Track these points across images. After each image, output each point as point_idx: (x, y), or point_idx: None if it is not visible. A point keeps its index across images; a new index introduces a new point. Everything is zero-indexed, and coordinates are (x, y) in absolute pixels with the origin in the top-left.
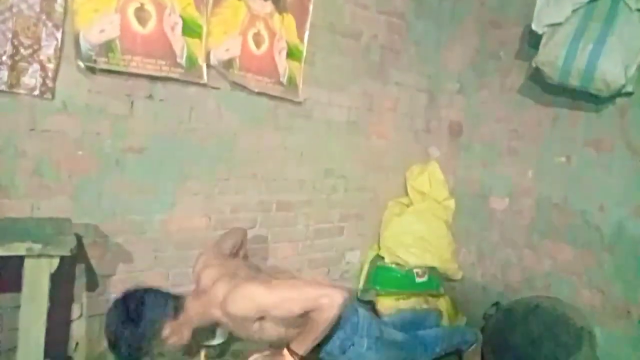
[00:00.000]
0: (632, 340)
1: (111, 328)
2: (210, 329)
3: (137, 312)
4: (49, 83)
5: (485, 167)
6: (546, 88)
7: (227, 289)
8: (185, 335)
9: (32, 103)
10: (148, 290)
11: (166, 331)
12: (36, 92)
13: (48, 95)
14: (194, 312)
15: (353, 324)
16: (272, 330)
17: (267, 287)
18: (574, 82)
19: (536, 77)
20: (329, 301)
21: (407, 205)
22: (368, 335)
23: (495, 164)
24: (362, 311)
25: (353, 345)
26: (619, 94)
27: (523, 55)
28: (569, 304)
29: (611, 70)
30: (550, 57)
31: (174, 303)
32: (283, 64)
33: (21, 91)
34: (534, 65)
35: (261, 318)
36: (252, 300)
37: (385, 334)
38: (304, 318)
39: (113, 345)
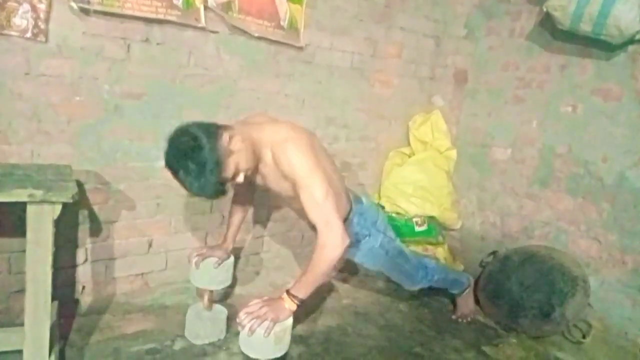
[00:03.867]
0: (625, 288)
1: (177, 170)
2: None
3: (193, 144)
4: (41, 25)
5: (489, 116)
6: (556, 34)
7: (290, 136)
8: (248, 148)
9: (25, 46)
10: (192, 124)
11: (228, 147)
12: (29, 34)
13: (41, 37)
14: (244, 136)
15: (373, 219)
16: (297, 202)
17: (311, 169)
18: (586, 27)
19: (546, 22)
20: (333, 240)
21: (409, 155)
22: (384, 232)
23: (500, 113)
24: (383, 214)
25: (369, 236)
26: (631, 40)
27: None
28: (565, 252)
29: (625, 16)
30: (562, 1)
31: (221, 127)
32: (284, 7)
33: (13, 33)
34: (544, 10)
35: (291, 182)
36: (294, 164)
37: (398, 242)
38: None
39: (188, 184)
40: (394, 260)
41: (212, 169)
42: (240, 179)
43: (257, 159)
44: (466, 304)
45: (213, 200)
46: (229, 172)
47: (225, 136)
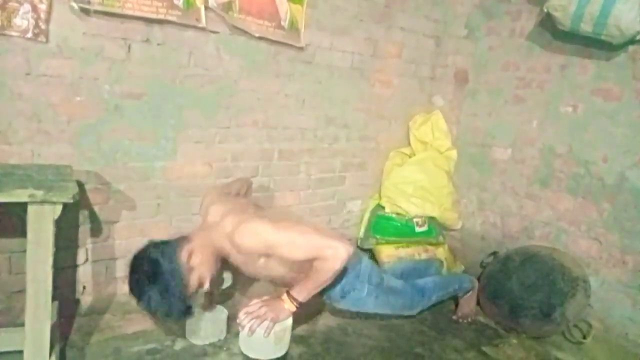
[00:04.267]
0: (625, 288)
1: (140, 297)
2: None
3: (153, 270)
4: (42, 25)
5: (489, 116)
6: (556, 34)
7: (236, 221)
8: (209, 259)
9: (26, 46)
10: (149, 246)
11: (189, 263)
12: (29, 35)
13: (42, 38)
14: (202, 243)
15: (356, 271)
16: (276, 269)
17: (275, 227)
18: (586, 28)
19: (547, 22)
20: (333, 253)
21: (409, 156)
22: (369, 281)
23: (500, 113)
24: (365, 259)
25: (354, 290)
26: (632, 41)
27: None
28: (566, 252)
29: (626, 16)
30: (563, 1)
31: (178, 243)
32: (284, 7)
33: (13, 33)
34: (545, 10)
35: (267, 255)
36: (259, 236)
37: (385, 281)
38: (309, 262)
39: (153, 311)
40: (385, 302)
41: (175, 291)
42: (206, 287)
43: (221, 259)
44: (468, 304)
45: None
46: (192, 288)
47: (184, 254)
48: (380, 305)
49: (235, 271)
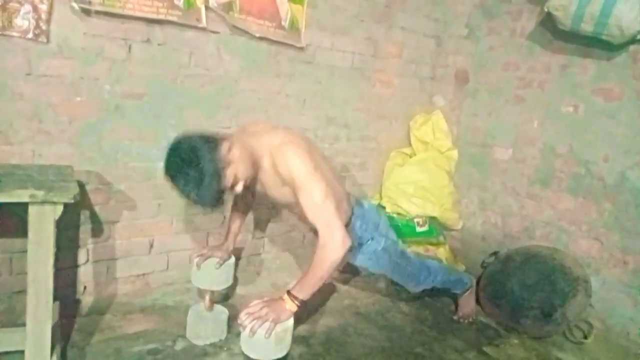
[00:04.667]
0: (626, 288)
1: (175, 178)
2: (216, 274)
3: (192, 155)
4: (43, 25)
5: (490, 116)
6: (557, 34)
7: (287, 140)
8: (246, 158)
9: (26, 46)
10: (190, 136)
11: (227, 157)
12: (30, 35)
13: (43, 38)
14: (242, 145)
15: (375, 222)
16: (296, 203)
17: (310, 172)
18: (587, 28)
19: (547, 22)
20: (333, 244)
21: (410, 156)
22: (387, 236)
23: (501, 113)
24: (385, 217)
25: (372, 239)
26: (632, 40)
27: None
28: (567, 253)
29: (626, 16)
30: (563, 1)
31: (221, 137)
32: (285, 7)
33: (14, 33)
34: (545, 9)
35: (291, 186)
36: (292, 167)
37: (401, 243)
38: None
39: (186, 193)
40: (396, 263)
41: (211, 178)
42: (239, 188)
43: (255, 168)
44: (468, 304)
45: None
46: (227, 181)
47: (224, 146)
48: (392, 266)
49: (260, 196)
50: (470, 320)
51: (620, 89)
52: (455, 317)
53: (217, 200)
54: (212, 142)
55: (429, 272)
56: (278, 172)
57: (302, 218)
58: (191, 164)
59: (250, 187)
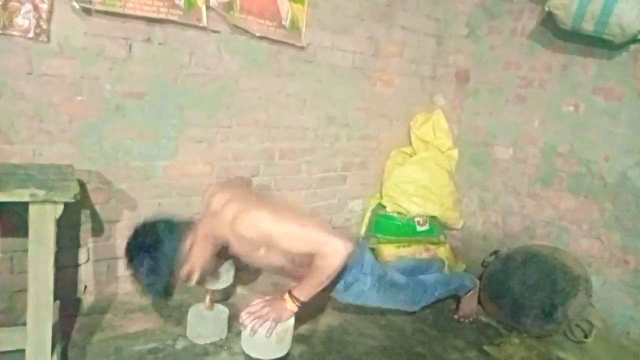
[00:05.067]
0: (627, 287)
1: (132, 261)
2: (215, 273)
3: (154, 242)
4: (43, 25)
5: (491, 116)
6: (558, 33)
7: (237, 209)
8: (205, 250)
9: (27, 45)
10: (156, 221)
11: (186, 248)
12: (31, 34)
13: (43, 37)
14: (204, 232)
15: (359, 263)
16: (277, 259)
17: (275, 217)
18: (588, 27)
19: (548, 21)
20: (332, 250)
21: (410, 155)
22: (372, 274)
23: (502, 112)
24: (369, 253)
25: (357, 281)
26: (633, 40)
27: None
28: (568, 252)
29: (628, 15)
30: (564, 0)
31: (185, 227)
32: (285, 6)
33: (15, 33)
34: (547, 9)
35: (267, 245)
36: (258, 226)
37: (389, 275)
38: (309, 256)
39: (137, 277)
40: (387, 295)
41: (163, 272)
42: (191, 283)
43: (214, 260)
44: (469, 304)
45: None
46: (181, 276)
47: (187, 242)
48: (383, 299)
49: (238, 261)
50: (471, 319)
51: (621, 88)
52: (455, 317)
53: (164, 293)
54: (176, 235)
55: (424, 290)
56: (247, 240)
57: (295, 272)
58: (149, 253)
59: (205, 275)
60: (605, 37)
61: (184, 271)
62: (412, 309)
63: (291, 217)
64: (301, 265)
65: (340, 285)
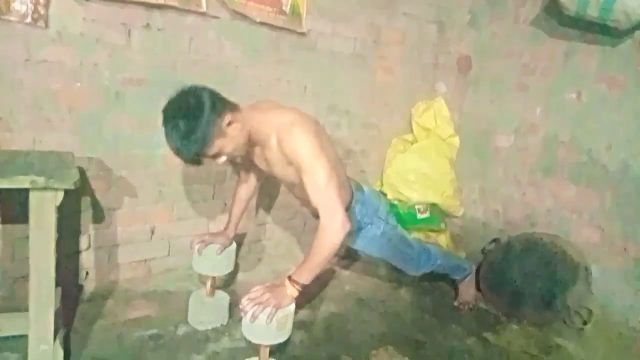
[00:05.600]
0: (626, 276)
1: (167, 121)
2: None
3: (196, 105)
4: (41, 10)
5: (492, 104)
6: (561, 20)
7: (297, 121)
8: (242, 137)
9: (25, 31)
10: (204, 88)
11: (225, 124)
12: (28, 20)
13: (41, 23)
14: (250, 118)
15: (375, 207)
16: (301, 189)
17: (315, 154)
18: (592, 13)
19: (551, 8)
20: (334, 226)
21: (412, 143)
22: (386, 221)
23: (504, 101)
24: (385, 202)
25: (371, 224)
26: (638, 26)
27: None
28: (567, 240)
29: (632, 1)
30: None
31: (230, 105)
32: None
33: (12, 18)
34: None
35: (295, 167)
36: (300, 148)
37: (400, 228)
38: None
39: (169, 138)
40: (396, 247)
41: (197, 139)
42: (220, 161)
43: (248, 148)
44: (467, 291)
45: (215, 188)
46: (211, 150)
47: (227, 116)
48: (391, 251)
49: (267, 175)
50: (470, 307)
51: (625, 76)
52: (455, 304)
53: (193, 159)
54: (218, 106)
55: (428, 256)
56: (284, 151)
57: (304, 200)
58: (187, 116)
59: (237, 163)
60: (609, 23)
61: (215, 146)
62: (414, 272)
63: (327, 166)
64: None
65: (353, 226)
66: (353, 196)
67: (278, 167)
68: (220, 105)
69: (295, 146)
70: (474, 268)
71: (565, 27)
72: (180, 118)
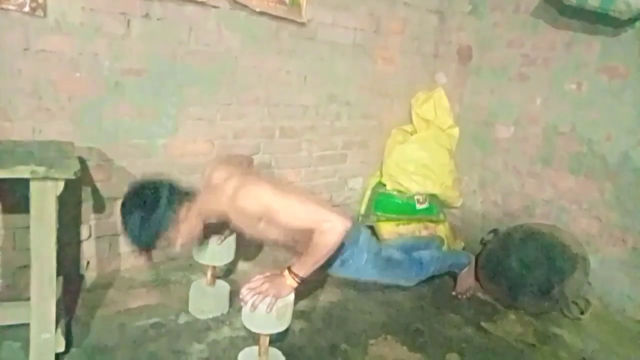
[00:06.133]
0: (624, 266)
1: (124, 212)
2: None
3: (153, 200)
4: None
5: (492, 94)
6: (562, 10)
7: (238, 184)
8: (196, 225)
9: (23, 21)
10: (162, 181)
11: (180, 216)
12: (26, 9)
13: (40, 12)
14: (204, 204)
15: (354, 240)
16: (276, 233)
17: (275, 192)
18: (593, 3)
19: None
20: (331, 227)
21: (411, 133)
22: (368, 250)
23: (504, 91)
24: (365, 230)
25: (352, 258)
26: (639, 16)
27: None
28: (566, 231)
29: None
30: None
31: (185, 197)
32: None
33: (10, 7)
34: None
35: (267, 219)
36: (259, 199)
37: (384, 251)
38: (308, 232)
39: (124, 227)
40: (383, 270)
41: (152, 230)
42: (175, 249)
43: (201, 235)
44: (466, 280)
45: None
46: (167, 239)
47: (184, 210)
48: (379, 273)
49: (240, 235)
50: (468, 295)
51: (626, 66)
52: (453, 293)
53: (146, 247)
54: (174, 200)
55: (420, 267)
56: (248, 214)
57: (296, 244)
58: (144, 208)
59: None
60: (611, 13)
61: (172, 235)
62: (408, 284)
63: (291, 193)
64: (301, 240)
65: (337, 262)
66: None
67: (252, 229)
68: (177, 198)
69: (253, 202)
70: (473, 259)
71: (566, 17)
72: (137, 209)
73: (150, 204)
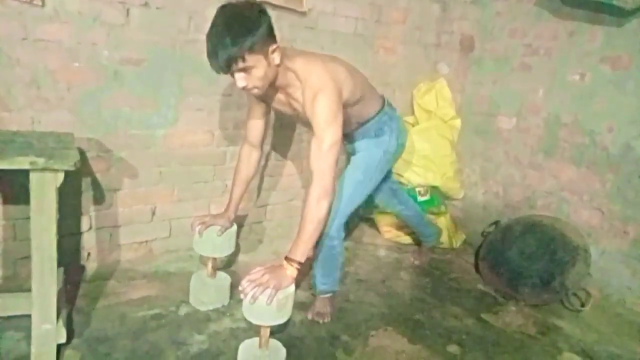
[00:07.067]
0: (625, 257)
1: (225, 15)
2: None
3: (258, 15)
4: None
5: (495, 85)
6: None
7: (324, 87)
8: (273, 73)
9: (21, 9)
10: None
11: (271, 48)
12: None
13: (37, 1)
14: (289, 61)
15: (392, 123)
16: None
17: (330, 120)
18: None
19: None
20: (320, 190)
21: (413, 124)
22: (397, 139)
23: (506, 81)
24: (401, 148)
25: (389, 134)
26: None
27: None
28: (567, 222)
29: None
30: None
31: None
32: None
33: None
34: None
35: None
36: (316, 114)
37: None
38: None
39: (218, 34)
40: (377, 171)
41: (244, 42)
42: (243, 83)
43: (272, 83)
44: (427, 254)
45: (215, 169)
46: (248, 61)
47: (274, 45)
48: (383, 168)
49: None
50: (423, 266)
51: (629, 57)
52: (412, 259)
53: (225, 62)
54: (273, 31)
55: (410, 199)
56: (305, 108)
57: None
58: (245, 23)
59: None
60: (615, 3)
61: (253, 58)
62: (395, 207)
63: (336, 132)
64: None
65: (371, 130)
66: (384, 108)
67: (295, 106)
68: (273, 33)
69: (314, 111)
70: (441, 233)
71: (570, 6)
72: (236, 21)
73: (255, 20)
